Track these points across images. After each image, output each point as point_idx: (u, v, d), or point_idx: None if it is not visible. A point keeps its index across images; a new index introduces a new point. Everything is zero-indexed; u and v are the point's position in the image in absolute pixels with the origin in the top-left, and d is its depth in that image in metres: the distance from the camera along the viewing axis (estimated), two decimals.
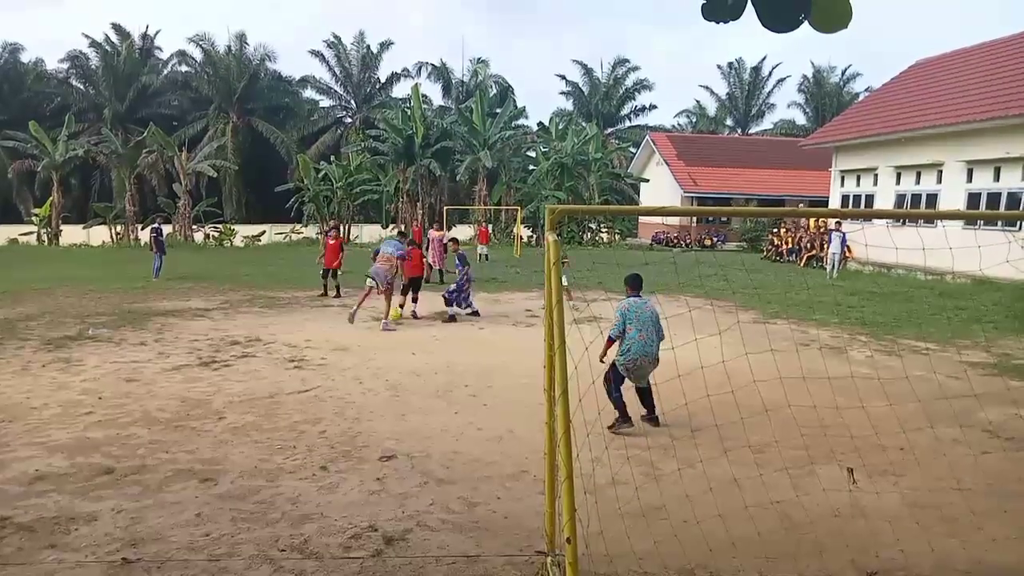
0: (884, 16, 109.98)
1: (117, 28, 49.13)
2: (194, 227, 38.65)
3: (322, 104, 52.56)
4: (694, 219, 39.15)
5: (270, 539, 4.94)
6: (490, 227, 36.78)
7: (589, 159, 40.65)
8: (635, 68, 55.11)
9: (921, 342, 11.72)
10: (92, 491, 5.68)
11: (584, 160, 40.52)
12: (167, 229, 29.95)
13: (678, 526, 4.94)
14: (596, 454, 5.32)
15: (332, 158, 44.26)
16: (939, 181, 22.01)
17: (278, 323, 13.30)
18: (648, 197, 43.77)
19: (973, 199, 20.61)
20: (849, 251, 23.27)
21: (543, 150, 42.47)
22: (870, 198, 25.29)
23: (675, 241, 38.63)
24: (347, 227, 40.73)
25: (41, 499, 5.52)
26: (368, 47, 50.38)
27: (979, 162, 20.35)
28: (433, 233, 20.80)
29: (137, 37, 49.98)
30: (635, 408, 7.37)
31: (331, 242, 17.23)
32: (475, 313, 14.44)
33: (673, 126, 60.45)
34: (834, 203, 27.61)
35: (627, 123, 56.60)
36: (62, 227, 38.03)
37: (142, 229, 36.15)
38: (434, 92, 53.75)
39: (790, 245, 28.97)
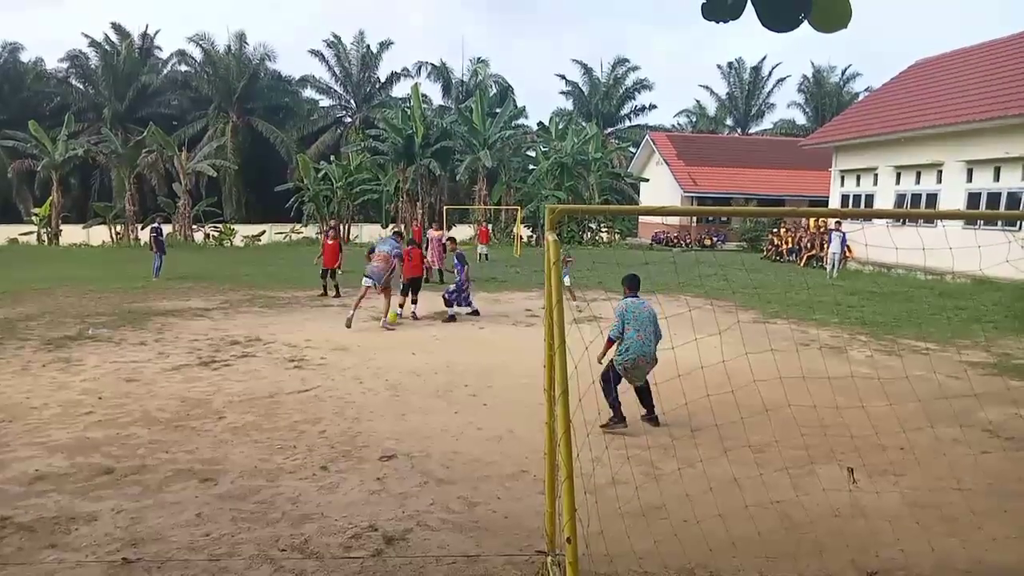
0: (884, 16, 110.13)
1: (117, 28, 49.20)
2: (194, 227, 38.66)
3: (322, 104, 52.62)
4: (694, 219, 39.16)
5: (270, 539, 4.94)
6: (490, 227, 36.78)
7: (589, 159, 40.66)
8: (635, 68, 55.20)
9: (921, 342, 11.72)
10: (92, 491, 5.68)
11: (584, 160, 40.52)
12: (167, 229, 29.96)
13: (678, 526, 4.94)
14: (596, 454, 5.32)
15: (332, 158, 44.27)
16: (939, 181, 22.01)
17: (278, 323, 13.30)
18: (648, 197, 43.77)
19: (973, 199, 20.61)
20: (849, 251, 23.28)
21: (543, 150, 42.48)
22: (870, 198, 25.30)
23: (675, 241, 38.63)
24: (347, 227, 40.75)
25: (41, 499, 5.52)
26: (368, 47, 50.41)
27: (979, 162, 20.35)
28: (432, 233, 20.80)
29: (137, 37, 50.01)
30: (635, 408, 7.37)
31: (329, 242, 17.23)
32: (475, 312, 14.45)
33: (673, 126, 60.47)
34: (834, 203, 27.62)
35: (627, 123, 56.63)
36: (62, 227, 38.03)
37: (142, 229, 36.15)
38: (434, 92, 53.90)
39: (790, 245, 28.97)
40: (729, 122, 60.07)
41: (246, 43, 48.51)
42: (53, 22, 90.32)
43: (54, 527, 5.05)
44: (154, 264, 19.93)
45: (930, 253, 16.35)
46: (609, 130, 53.77)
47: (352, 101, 51.74)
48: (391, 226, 40.11)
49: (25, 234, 38.78)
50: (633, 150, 48.39)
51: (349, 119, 51.70)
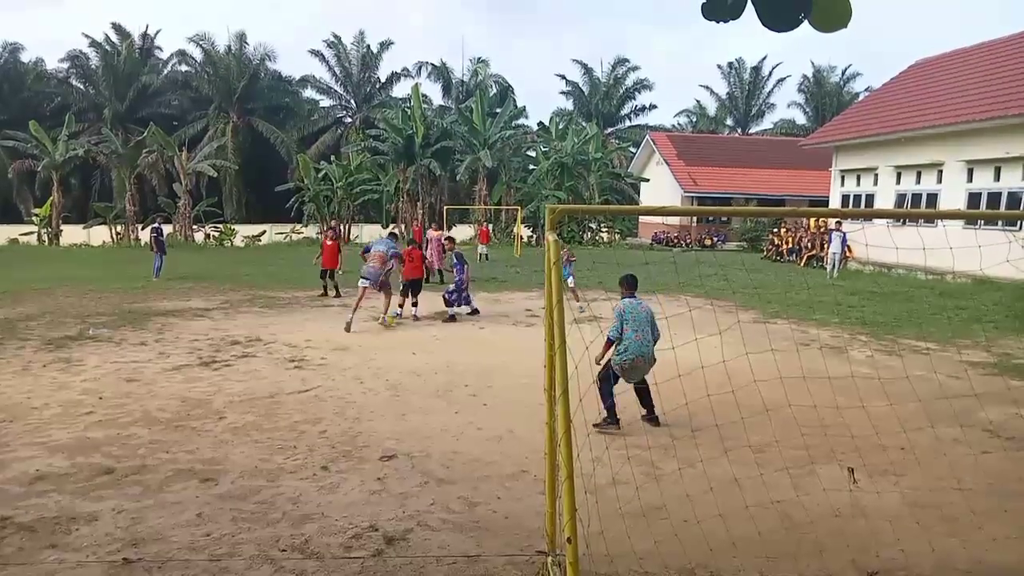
0: (884, 16, 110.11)
1: (117, 28, 49.23)
2: (194, 227, 38.67)
3: (322, 104, 52.62)
4: (694, 219, 39.16)
5: (271, 539, 4.94)
6: (490, 227, 36.79)
7: (589, 159, 40.66)
8: (635, 68, 55.24)
9: (921, 342, 11.71)
10: (93, 491, 5.68)
11: (584, 160, 40.53)
12: (167, 229, 29.97)
13: (679, 526, 4.94)
14: (597, 454, 5.32)
15: (332, 158, 44.28)
16: (939, 181, 22.01)
17: (278, 323, 13.30)
18: (648, 197, 43.77)
19: (973, 199, 20.60)
20: (849, 251, 23.27)
21: (543, 150, 42.49)
22: (870, 198, 25.29)
23: (675, 241, 38.63)
24: (347, 227, 40.75)
25: (42, 499, 5.52)
26: (368, 47, 50.41)
27: (979, 162, 20.35)
28: (432, 233, 20.78)
29: (137, 37, 50.04)
30: (635, 408, 7.38)
31: (328, 243, 17.25)
32: (475, 311, 14.45)
33: (673, 126, 60.48)
34: (834, 203, 27.61)
35: (627, 123, 56.65)
36: (62, 227, 38.04)
37: (142, 229, 36.18)
38: (434, 92, 53.90)
39: (790, 245, 28.97)
40: (729, 122, 60.07)
41: (246, 43, 48.61)
42: (53, 22, 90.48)
43: (54, 527, 5.05)
44: (154, 264, 19.94)
45: (930, 253, 16.34)
46: (609, 130, 53.78)
47: (352, 101, 51.75)
48: (391, 226, 40.15)
49: (25, 234, 38.80)
50: (633, 150, 48.39)
51: (349, 119, 51.71)
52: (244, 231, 39.80)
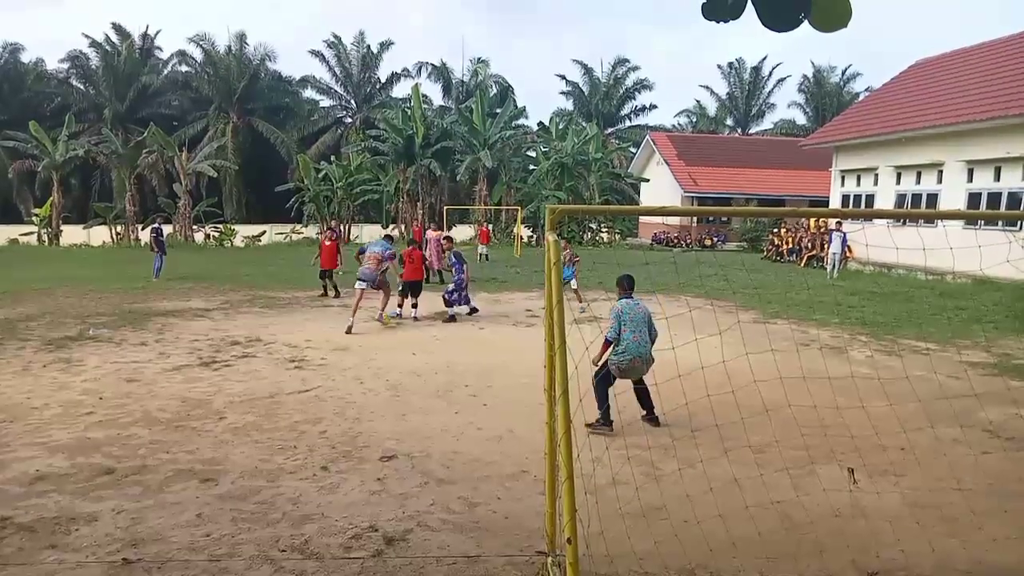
0: (884, 16, 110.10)
1: (117, 28, 49.24)
2: (194, 227, 38.67)
3: (322, 104, 52.63)
4: (694, 219, 39.18)
5: (271, 539, 4.94)
6: (490, 227, 36.79)
7: (589, 159, 40.66)
8: (635, 68, 55.25)
9: (921, 342, 11.72)
10: (93, 491, 5.68)
11: (584, 160, 40.53)
12: (167, 229, 29.98)
13: (679, 526, 4.94)
14: (597, 454, 5.32)
15: (332, 158, 44.28)
16: (939, 181, 22.00)
17: (278, 323, 13.30)
18: (648, 197, 43.78)
19: (973, 199, 20.60)
20: (849, 251, 23.27)
21: (543, 150, 42.49)
22: (870, 198, 25.29)
23: (675, 241, 38.64)
24: (347, 227, 40.75)
25: (42, 499, 5.52)
26: (368, 47, 50.43)
27: (979, 162, 20.35)
28: (431, 234, 20.73)
29: (137, 37, 50.04)
30: (634, 408, 7.37)
31: (327, 243, 17.26)
32: (474, 310, 14.44)
33: (673, 126, 60.49)
34: (834, 203, 27.60)
35: (627, 123, 56.66)
36: (62, 227, 38.04)
37: (142, 229, 36.18)
38: (434, 92, 53.87)
39: (790, 245, 28.97)
40: (729, 122, 60.09)
41: (246, 43, 48.64)
42: (53, 22, 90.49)
43: (54, 527, 5.05)
44: (155, 264, 19.94)
45: (930, 253, 16.35)
46: (609, 130, 53.79)
47: (352, 101, 51.76)
48: (391, 227, 40.18)
49: (25, 234, 38.80)
50: (633, 150, 48.39)
51: (349, 119, 51.72)
52: (244, 231, 39.81)
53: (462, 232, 39.71)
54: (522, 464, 6.33)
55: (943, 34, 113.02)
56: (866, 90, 49.81)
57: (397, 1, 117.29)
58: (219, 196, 45.62)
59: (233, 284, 19.08)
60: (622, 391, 7.24)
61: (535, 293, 17.39)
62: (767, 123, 59.17)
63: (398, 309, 13.92)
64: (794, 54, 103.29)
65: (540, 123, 45.33)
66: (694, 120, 60.62)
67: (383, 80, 51.93)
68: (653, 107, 59.62)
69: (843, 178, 27.01)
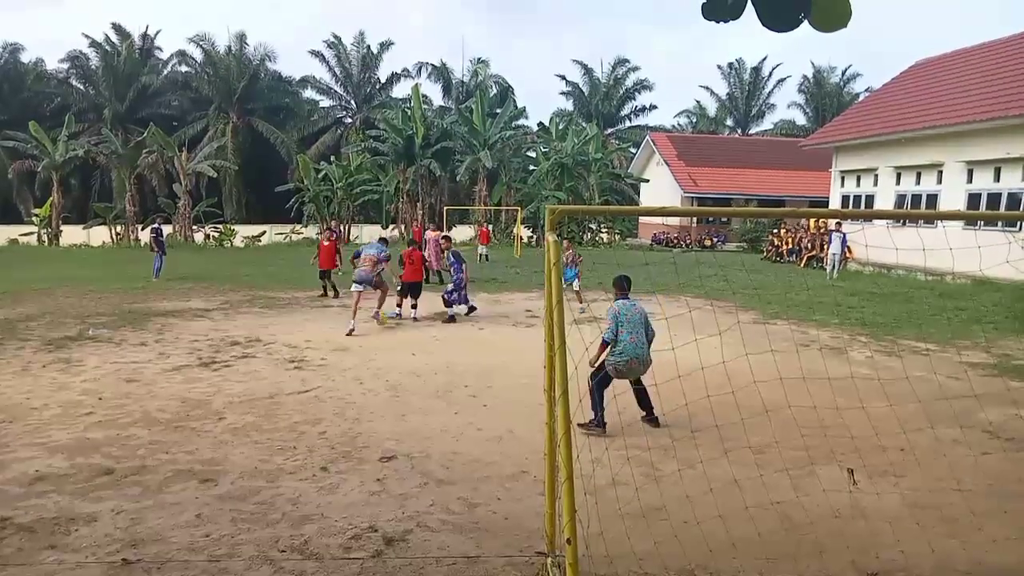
0: (884, 16, 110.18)
1: (117, 28, 49.24)
2: (194, 227, 38.66)
3: (322, 104, 52.62)
4: (694, 219, 39.16)
5: (270, 540, 4.94)
6: (490, 227, 36.78)
7: (589, 159, 40.66)
8: (635, 68, 55.27)
9: (921, 343, 11.72)
10: (92, 492, 5.68)
11: (584, 160, 40.52)
12: (167, 229, 29.96)
13: (678, 527, 4.93)
14: (596, 455, 5.32)
15: (332, 158, 44.26)
16: (939, 181, 22.00)
17: (278, 323, 13.30)
18: (648, 197, 43.78)
19: (973, 199, 20.60)
20: (849, 252, 23.27)
21: (543, 150, 42.47)
22: (870, 198, 25.29)
23: (675, 241, 38.63)
24: (347, 227, 40.74)
25: (41, 500, 5.52)
26: (368, 47, 50.42)
27: (979, 162, 20.35)
28: (430, 234, 20.70)
29: (137, 37, 50.04)
30: (634, 409, 7.37)
31: (325, 244, 17.26)
32: (472, 309, 14.43)
33: (673, 126, 60.50)
34: (834, 203, 27.60)
35: (627, 123, 56.65)
36: (62, 227, 38.02)
37: (142, 229, 36.16)
38: (434, 92, 53.86)
39: (790, 246, 28.97)
40: (729, 122, 60.08)
41: (246, 43, 48.62)
42: (53, 22, 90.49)
43: (54, 528, 5.05)
44: (154, 265, 19.94)
45: (930, 254, 16.33)
46: (609, 130, 53.78)
47: (352, 102, 51.76)
48: (391, 227, 40.16)
49: (25, 235, 38.78)
50: (633, 151, 48.39)
51: (349, 120, 51.72)
52: (244, 231, 39.78)
53: (462, 232, 39.69)
54: (522, 465, 6.32)
55: (943, 34, 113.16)
56: (866, 90, 49.86)
57: (397, 1, 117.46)
58: (219, 196, 45.60)
59: (233, 284, 19.07)
60: (622, 391, 7.24)
61: (535, 293, 17.39)
62: (767, 123, 59.27)
63: (398, 309, 13.91)
64: (794, 54, 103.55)
65: (540, 123, 45.36)
66: (694, 120, 60.62)
67: (383, 80, 51.98)
68: (653, 107, 59.83)
69: (843, 178, 27.01)
